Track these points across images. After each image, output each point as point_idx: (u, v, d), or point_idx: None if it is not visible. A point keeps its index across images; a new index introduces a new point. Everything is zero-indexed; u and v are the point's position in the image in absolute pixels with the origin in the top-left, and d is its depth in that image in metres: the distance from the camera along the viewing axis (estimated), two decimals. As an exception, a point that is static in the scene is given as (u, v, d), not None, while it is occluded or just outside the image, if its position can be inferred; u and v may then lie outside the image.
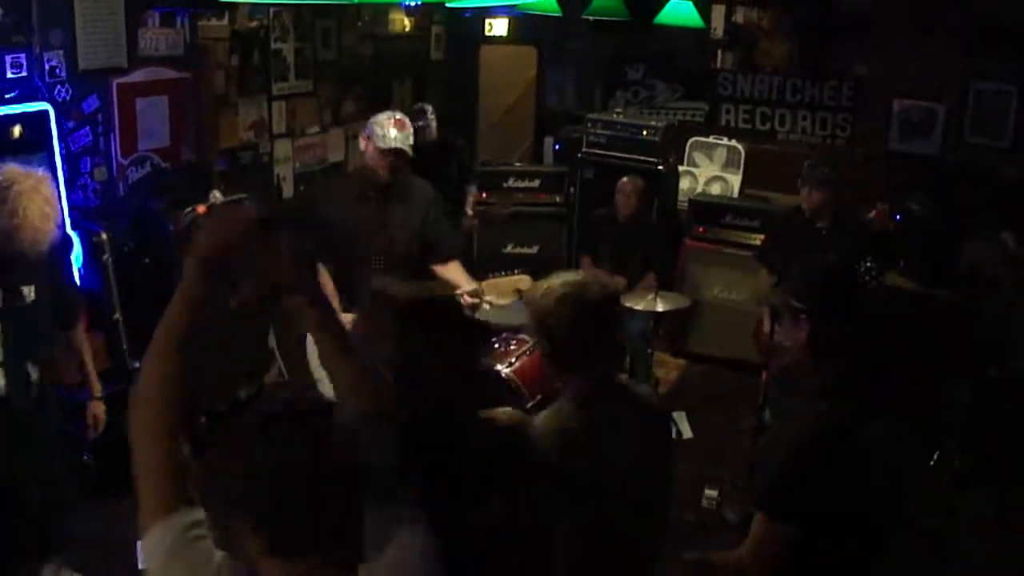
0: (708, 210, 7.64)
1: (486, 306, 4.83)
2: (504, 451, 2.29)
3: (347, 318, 4.40)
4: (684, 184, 8.26)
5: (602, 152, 7.86)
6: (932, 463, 5.38)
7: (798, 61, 8.38)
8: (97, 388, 4.33)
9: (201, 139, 6.14)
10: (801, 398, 2.77)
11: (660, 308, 6.02)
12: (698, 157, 8.41)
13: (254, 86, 6.71)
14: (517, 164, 8.65)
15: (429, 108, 7.27)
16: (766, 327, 5.34)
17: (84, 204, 5.27)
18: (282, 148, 7.08)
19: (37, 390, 4.01)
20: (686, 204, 7.87)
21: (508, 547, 2.17)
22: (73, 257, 4.87)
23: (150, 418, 1.78)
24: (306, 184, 7.28)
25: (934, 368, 5.76)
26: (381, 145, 4.41)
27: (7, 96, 4.76)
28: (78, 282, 4.85)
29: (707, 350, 7.43)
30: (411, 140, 4.49)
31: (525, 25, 9.18)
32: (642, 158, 7.62)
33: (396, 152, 4.43)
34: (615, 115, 8.21)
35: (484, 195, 7.98)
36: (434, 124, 7.27)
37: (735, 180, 8.21)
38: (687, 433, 6.13)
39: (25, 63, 4.88)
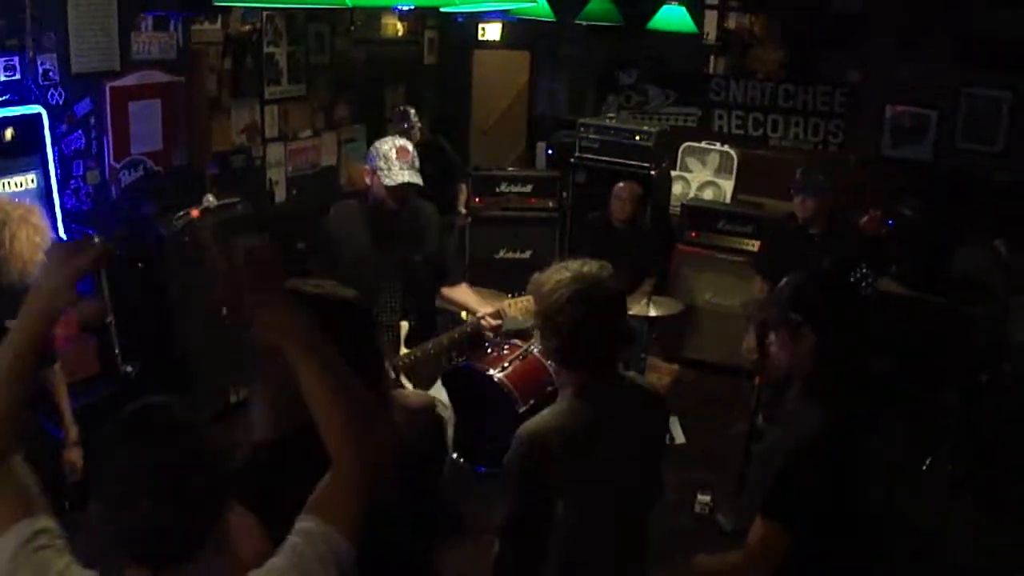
0: (701, 215, 7.65)
1: (509, 324, 4.76)
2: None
3: None
4: (677, 189, 8.27)
5: (595, 157, 7.87)
6: (924, 467, 5.38)
7: (791, 67, 8.40)
8: (73, 434, 4.04)
9: (193, 143, 6.13)
10: (797, 403, 2.76)
11: (653, 313, 6.02)
12: (691, 162, 8.42)
13: (247, 90, 6.70)
14: (510, 169, 8.63)
15: (412, 111, 7.28)
16: (750, 342, 5.29)
17: (76, 207, 5.26)
18: (274, 152, 7.08)
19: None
20: (679, 209, 7.88)
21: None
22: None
23: None
24: (298, 188, 7.28)
25: (926, 373, 5.77)
26: (388, 183, 4.17)
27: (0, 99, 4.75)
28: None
29: (700, 355, 7.43)
30: (417, 165, 4.26)
31: (518, 30, 9.20)
32: (635, 163, 7.63)
33: (405, 186, 4.23)
34: (608, 120, 8.22)
35: (477, 199, 7.98)
36: (418, 127, 7.29)
37: (728, 185, 8.22)
38: (680, 438, 6.13)
39: (18, 66, 4.87)
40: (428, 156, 7.35)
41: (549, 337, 2.69)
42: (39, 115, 4.84)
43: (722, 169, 8.28)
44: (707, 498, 5.32)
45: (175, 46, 5.86)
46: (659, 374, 7.23)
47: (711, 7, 8.60)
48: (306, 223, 6.92)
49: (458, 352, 5.56)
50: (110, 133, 5.47)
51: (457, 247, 7.53)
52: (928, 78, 7.70)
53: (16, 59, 4.86)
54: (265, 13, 6.67)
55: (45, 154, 4.86)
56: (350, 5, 3.73)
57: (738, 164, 8.23)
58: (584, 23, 7.87)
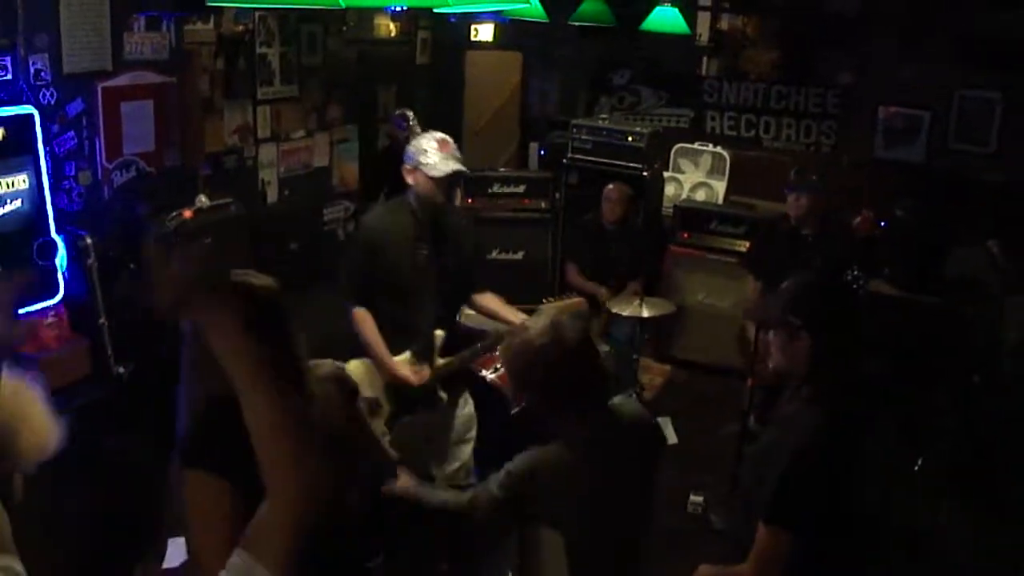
0: (693, 216, 7.67)
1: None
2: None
3: (402, 358, 4.34)
4: (669, 190, 8.28)
5: (587, 158, 7.88)
6: (917, 468, 5.39)
7: (783, 68, 8.41)
8: None
9: (186, 143, 6.10)
10: (793, 406, 2.76)
11: (645, 314, 6.03)
12: (683, 163, 8.43)
13: (239, 90, 6.68)
14: (502, 170, 8.62)
15: (410, 114, 7.27)
16: (750, 334, 5.32)
17: (69, 208, 5.24)
18: (267, 152, 7.06)
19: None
20: (671, 210, 7.89)
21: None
22: (58, 261, 4.84)
23: None
24: (291, 189, 7.26)
25: (919, 374, 5.77)
26: (435, 175, 4.17)
27: (-9, 99, 4.73)
28: (62, 287, 4.83)
29: (692, 356, 7.44)
30: (459, 154, 4.27)
31: (511, 31, 9.19)
32: (627, 164, 7.65)
33: (453, 175, 4.24)
34: (600, 121, 8.23)
35: (469, 200, 7.97)
36: (417, 130, 7.26)
37: (720, 187, 8.23)
38: (672, 439, 6.13)
39: (10, 66, 4.84)
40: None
41: (527, 396, 2.77)
42: (31, 115, 4.81)
43: (714, 170, 8.29)
44: (700, 498, 5.33)
45: (167, 46, 5.84)
46: (651, 375, 7.24)
47: (704, 8, 8.61)
48: (298, 224, 6.95)
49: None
50: (102, 134, 5.45)
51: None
52: (921, 80, 7.71)
53: (8, 59, 4.83)
54: (258, 14, 6.65)
55: (37, 155, 4.83)
56: (344, 6, 3.71)
57: (731, 165, 8.23)
58: (577, 24, 7.88)
